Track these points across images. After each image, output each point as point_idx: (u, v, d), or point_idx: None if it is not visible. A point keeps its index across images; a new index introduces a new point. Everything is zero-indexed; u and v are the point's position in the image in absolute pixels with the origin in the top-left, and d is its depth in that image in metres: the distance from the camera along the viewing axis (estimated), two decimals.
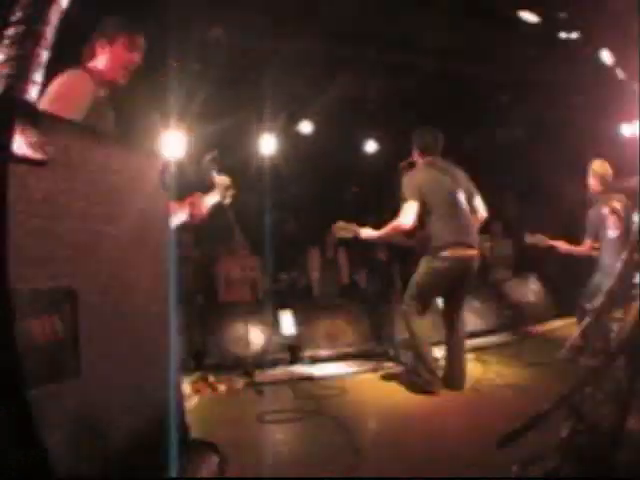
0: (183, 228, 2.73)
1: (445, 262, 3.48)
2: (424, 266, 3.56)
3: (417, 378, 3.53)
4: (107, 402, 1.47)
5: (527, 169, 6.18)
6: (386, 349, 4.51)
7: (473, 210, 3.75)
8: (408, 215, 3.50)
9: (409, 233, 3.64)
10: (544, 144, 6.14)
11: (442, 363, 3.72)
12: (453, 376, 3.59)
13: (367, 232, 3.72)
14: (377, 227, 3.77)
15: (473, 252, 3.56)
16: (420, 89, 6.15)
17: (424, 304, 3.59)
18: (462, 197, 3.65)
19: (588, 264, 4.09)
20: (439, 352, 3.86)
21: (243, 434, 2.92)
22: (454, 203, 3.60)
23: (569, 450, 1.91)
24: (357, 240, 3.76)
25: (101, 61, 2.29)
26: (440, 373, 3.62)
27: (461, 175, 3.77)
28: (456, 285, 3.60)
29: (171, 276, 1.94)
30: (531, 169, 6.10)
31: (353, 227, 3.73)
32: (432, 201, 3.55)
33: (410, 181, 3.60)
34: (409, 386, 3.61)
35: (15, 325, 1.16)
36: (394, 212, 3.67)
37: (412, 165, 3.85)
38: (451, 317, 3.70)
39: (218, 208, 3.86)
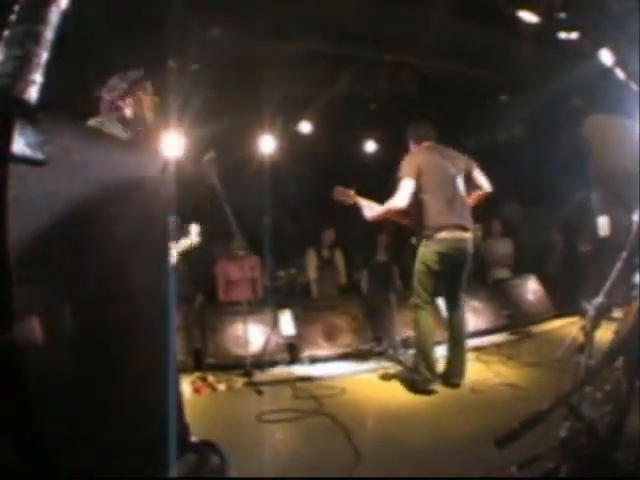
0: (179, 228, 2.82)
1: (441, 244, 3.49)
2: (422, 252, 3.57)
3: (417, 376, 3.54)
4: (106, 402, 1.47)
5: (527, 169, 6.18)
6: (386, 349, 4.50)
7: (477, 186, 3.75)
8: (402, 194, 3.49)
9: (404, 213, 3.62)
10: (544, 144, 6.14)
11: (442, 361, 3.73)
12: (453, 371, 3.60)
13: (366, 203, 3.70)
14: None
15: (468, 235, 3.59)
16: (420, 89, 6.16)
17: (431, 292, 3.61)
18: (460, 181, 3.66)
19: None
20: (440, 351, 3.86)
21: (242, 434, 2.92)
22: (452, 186, 3.60)
23: (568, 450, 1.91)
24: (355, 208, 3.74)
25: None
26: (440, 370, 3.64)
27: (460, 157, 3.77)
28: (454, 270, 3.61)
29: (171, 275, 1.95)
30: (531, 169, 6.09)
31: (352, 194, 3.72)
32: (430, 182, 3.55)
33: (409, 160, 3.61)
34: (408, 384, 3.61)
35: (15, 325, 1.16)
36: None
37: None
38: (452, 311, 3.73)
39: (218, 208, 3.87)
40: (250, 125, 6.06)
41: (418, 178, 3.52)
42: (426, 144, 3.78)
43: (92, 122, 2.59)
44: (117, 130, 2.63)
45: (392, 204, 3.54)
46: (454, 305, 3.74)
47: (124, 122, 2.67)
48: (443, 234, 3.49)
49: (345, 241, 6.24)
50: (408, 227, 3.80)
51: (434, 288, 3.64)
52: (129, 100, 2.67)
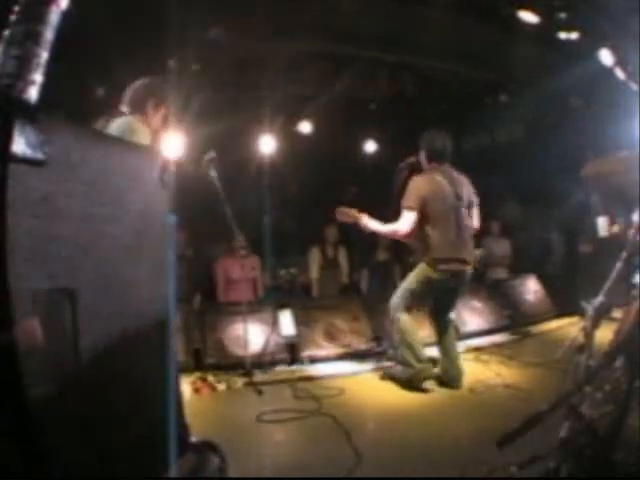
0: (177, 227, 2.76)
1: (440, 275, 3.54)
2: (420, 273, 3.59)
3: (409, 369, 3.56)
4: (106, 402, 1.47)
5: (526, 169, 6.18)
6: (385, 349, 4.50)
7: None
8: (405, 224, 3.52)
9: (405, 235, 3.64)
10: (544, 144, 6.14)
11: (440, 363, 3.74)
12: (451, 375, 3.61)
13: (368, 221, 3.69)
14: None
15: (468, 267, 3.64)
16: (420, 89, 6.16)
17: (413, 303, 3.68)
18: (464, 211, 3.66)
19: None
20: (434, 352, 3.87)
21: (242, 434, 2.92)
22: (456, 217, 3.60)
23: (568, 450, 1.91)
24: (357, 226, 3.75)
25: None
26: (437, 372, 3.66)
27: (465, 185, 3.75)
28: (448, 294, 3.72)
29: (171, 275, 1.94)
30: (531, 169, 6.10)
31: (354, 213, 3.73)
32: (434, 212, 3.55)
33: (414, 190, 3.57)
34: (408, 384, 3.61)
35: (15, 325, 1.16)
36: (394, 212, 3.68)
37: (412, 166, 3.83)
38: (440, 321, 3.77)
39: (218, 208, 3.87)
40: (250, 125, 6.06)
41: (423, 208, 3.53)
42: (435, 166, 3.70)
43: (120, 121, 2.51)
44: (145, 133, 2.56)
45: (394, 229, 3.57)
46: (443, 322, 3.77)
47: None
48: (444, 266, 3.53)
49: (347, 240, 6.24)
50: (408, 244, 3.82)
51: (418, 303, 3.74)
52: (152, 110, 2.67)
